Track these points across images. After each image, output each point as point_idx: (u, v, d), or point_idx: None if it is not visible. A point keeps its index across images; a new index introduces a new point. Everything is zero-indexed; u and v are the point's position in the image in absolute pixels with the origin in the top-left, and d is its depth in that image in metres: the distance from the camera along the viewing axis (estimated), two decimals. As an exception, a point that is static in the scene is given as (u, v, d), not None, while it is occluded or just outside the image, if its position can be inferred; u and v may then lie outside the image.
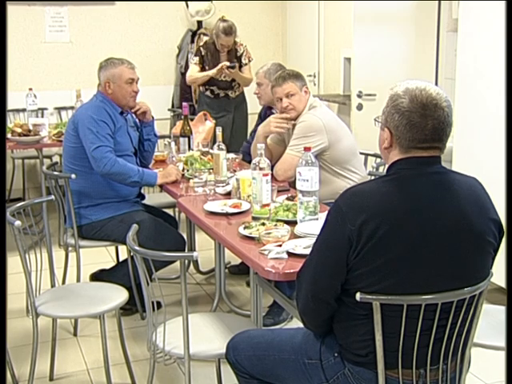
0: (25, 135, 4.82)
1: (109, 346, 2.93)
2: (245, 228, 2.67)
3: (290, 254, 2.39)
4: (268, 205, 2.88)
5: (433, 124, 1.81)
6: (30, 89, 5.47)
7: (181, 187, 3.57)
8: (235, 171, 3.64)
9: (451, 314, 1.83)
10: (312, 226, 2.59)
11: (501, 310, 2.58)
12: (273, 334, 2.22)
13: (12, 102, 5.79)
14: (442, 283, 1.80)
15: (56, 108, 6.28)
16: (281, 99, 3.56)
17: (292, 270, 2.26)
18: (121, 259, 4.02)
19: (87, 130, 3.50)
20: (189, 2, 6.50)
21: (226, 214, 2.97)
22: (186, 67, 6.29)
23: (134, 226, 2.54)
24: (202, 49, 5.32)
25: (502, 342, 2.28)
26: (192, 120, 4.60)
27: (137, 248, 2.33)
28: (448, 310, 1.82)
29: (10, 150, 5.70)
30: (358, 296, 1.78)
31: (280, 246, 2.46)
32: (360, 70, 5.15)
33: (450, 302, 1.80)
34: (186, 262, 3.13)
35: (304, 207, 2.71)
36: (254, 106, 5.04)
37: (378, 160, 3.85)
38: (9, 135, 4.76)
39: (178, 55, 6.57)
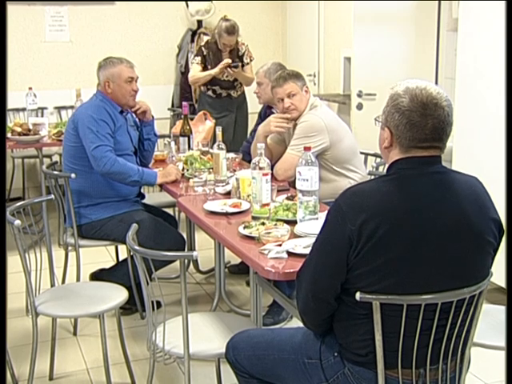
0: (25, 134, 4.82)
1: (108, 345, 2.93)
2: (245, 227, 2.67)
3: (289, 254, 2.39)
4: (268, 204, 2.88)
5: (433, 123, 1.81)
6: (30, 88, 5.47)
7: (181, 187, 3.57)
8: (235, 171, 3.64)
9: (451, 314, 1.83)
10: (312, 226, 2.59)
11: (501, 310, 2.58)
12: (273, 334, 2.22)
13: (12, 102, 5.78)
14: (442, 283, 1.80)
15: (56, 107, 6.28)
16: (282, 100, 3.55)
17: (292, 270, 2.26)
18: (120, 259, 4.02)
19: (87, 129, 3.50)
20: (189, 2, 6.50)
21: (226, 214, 2.97)
22: (186, 67, 6.29)
23: (134, 226, 2.54)
24: (203, 48, 5.30)
25: (502, 342, 2.28)
26: (192, 119, 4.60)
27: (136, 247, 2.33)
28: (448, 309, 1.82)
29: (9, 150, 5.69)
30: (357, 295, 1.78)
31: (280, 245, 2.46)
32: (360, 69, 5.15)
33: (449, 301, 1.80)
34: (186, 261, 3.13)
35: (304, 207, 2.71)
36: (254, 106, 5.03)
37: (378, 160, 3.85)
38: (9, 134, 4.77)
39: (177, 55, 6.57)
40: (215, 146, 3.55)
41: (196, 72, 5.29)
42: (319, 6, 6.23)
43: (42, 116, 5.78)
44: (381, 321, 1.80)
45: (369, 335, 1.83)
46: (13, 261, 3.06)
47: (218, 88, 5.37)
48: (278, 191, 3.13)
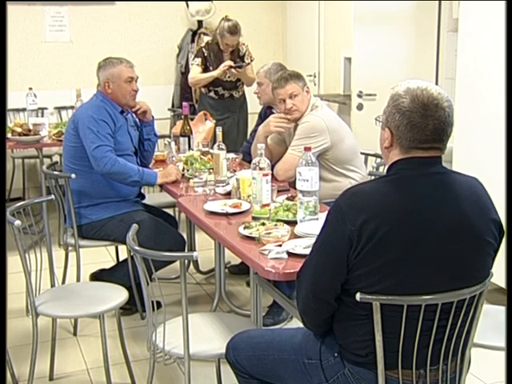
0: (25, 135, 4.82)
1: (109, 345, 2.93)
2: (245, 228, 2.67)
3: (290, 254, 2.39)
4: (268, 205, 2.88)
5: (434, 124, 1.81)
6: (30, 88, 5.47)
7: (181, 187, 3.57)
8: (235, 171, 3.64)
9: (451, 315, 1.83)
10: (312, 226, 2.59)
11: (501, 311, 2.58)
12: (273, 334, 2.21)
13: (12, 102, 5.78)
14: (442, 284, 1.80)
15: (56, 108, 6.28)
16: (284, 100, 3.55)
17: (292, 270, 2.26)
18: (121, 259, 4.02)
19: (87, 129, 3.50)
20: (189, 2, 6.50)
21: (226, 214, 2.97)
22: (187, 67, 6.28)
23: (134, 226, 2.54)
24: (204, 49, 5.24)
25: (502, 343, 2.28)
26: (192, 120, 4.59)
27: (137, 248, 2.33)
28: (448, 310, 1.81)
29: (10, 150, 5.69)
30: (358, 296, 1.78)
31: (280, 245, 2.46)
32: (360, 69, 5.15)
33: (450, 302, 1.80)
34: (186, 261, 3.13)
35: (304, 207, 2.71)
36: (254, 106, 5.03)
37: (379, 160, 3.85)
38: (9, 135, 4.76)
39: (178, 55, 6.57)
40: (215, 146, 3.55)
41: (196, 73, 5.23)
42: (319, 6, 6.23)
43: (42, 116, 5.78)
44: (381, 321, 1.80)
45: (369, 336, 1.83)
46: (13, 261, 3.06)
47: (221, 89, 5.33)
48: (279, 191, 3.13)
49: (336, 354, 1.95)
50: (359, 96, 5.18)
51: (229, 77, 5.24)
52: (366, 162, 3.95)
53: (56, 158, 5.64)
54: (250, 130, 5.33)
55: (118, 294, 2.92)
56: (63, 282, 3.82)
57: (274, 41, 6.99)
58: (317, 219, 2.69)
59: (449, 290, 1.80)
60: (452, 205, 1.83)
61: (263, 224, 2.68)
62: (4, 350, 2.29)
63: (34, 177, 6.43)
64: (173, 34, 6.59)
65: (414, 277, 1.79)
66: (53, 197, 3.17)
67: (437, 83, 4.87)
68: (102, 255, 4.49)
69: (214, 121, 4.69)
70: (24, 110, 5.81)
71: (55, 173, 3.67)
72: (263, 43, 6.83)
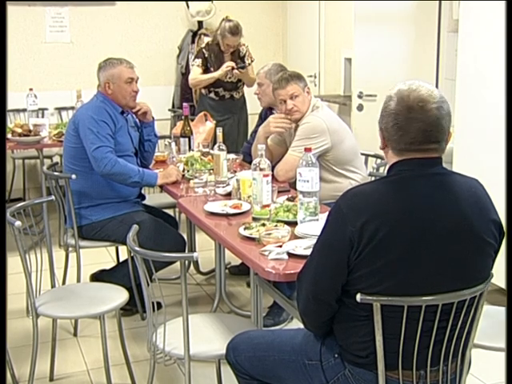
0: (25, 135, 4.82)
1: (109, 346, 2.93)
2: (245, 229, 2.67)
3: (290, 255, 2.39)
4: (268, 205, 2.88)
5: (419, 127, 1.79)
6: (31, 89, 5.47)
7: (181, 188, 3.57)
8: (235, 172, 3.64)
9: (452, 316, 1.83)
10: (312, 227, 2.59)
11: (501, 311, 2.58)
12: (273, 335, 2.22)
13: (12, 103, 5.79)
14: (443, 284, 1.80)
15: (56, 108, 6.28)
16: (284, 101, 3.54)
17: (292, 271, 2.26)
18: (121, 260, 4.02)
19: (88, 130, 3.50)
20: (189, 3, 6.50)
21: (227, 215, 2.97)
22: (187, 68, 6.28)
23: (135, 227, 2.54)
24: (204, 50, 5.22)
25: (502, 344, 2.28)
26: (192, 120, 4.59)
27: (137, 248, 2.33)
28: (448, 311, 1.81)
29: (10, 151, 5.69)
30: (358, 297, 1.78)
31: (280, 246, 2.46)
32: (360, 70, 5.15)
33: (450, 303, 1.80)
34: (186, 262, 3.13)
35: (304, 208, 2.71)
36: (254, 107, 5.03)
37: (379, 161, 3.85)
38: (9, 135, 4.76)
39: (178, 56, 6.57)
40: (216, 147, 3.55)
41: (197, 74, 5.20)
42: (319, 7, 6.23)
43: (43, 117, 5.78)
44: (381, 322, 1.80)
45: (369, 337, 1.83)
46: (13, 262, 3.05)
47: (222, 90, 5.31)
48: (279, 192, 3.13)
49: (336, 355, 1.95)
50: (359, 97, 5.18)
51: (230, 78, 5.24)
52: (366, 162, 3.95)
53: (56, 159, 5.63)
54: (250, 130, 5.33)
55: (118, 295, 2.92)
56: (63, 282, 3.82)
57: (274, 41, 6.99)
58: (317, 220, 2.69)
59: (449, 291, 1.80)
60: (452, 205, 1.82)
61: (263, 225, 2.68)
62: (4, 351, 2.30)
63: (34, 177, 6.43)
64: (173, 35, 6.60)
65: (414, 277, 1.79)
66: (53, 197, 3.17)
67: (437, 84, 4.88)
68: (102, 256, 4.49)
69: (215, 121, 4.68)
70: (24, 110, 5.81)
71: (55, 173, 3.67)
72: (263, 43, 6.83)
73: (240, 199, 3.16)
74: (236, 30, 5.09)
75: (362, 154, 3.83)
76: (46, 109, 6.10)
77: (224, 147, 3.51)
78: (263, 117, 4.16)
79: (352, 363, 1.91)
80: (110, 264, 4.14)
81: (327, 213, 1.91)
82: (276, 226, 2.67)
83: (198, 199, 3.29)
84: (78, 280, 3.66)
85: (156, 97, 6.15)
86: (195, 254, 2.28)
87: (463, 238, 1.82)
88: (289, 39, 6.92)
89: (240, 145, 4.94)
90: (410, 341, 1.82)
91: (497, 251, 1.91)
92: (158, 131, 4.07)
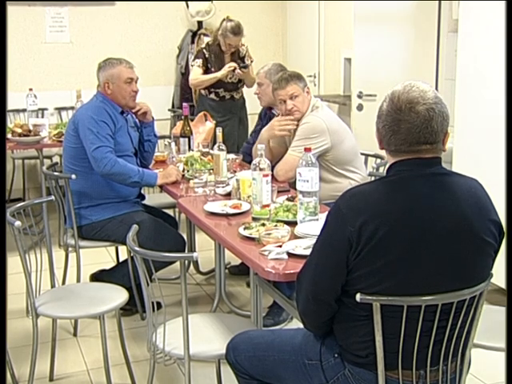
0: (25, 135, 4.82)
1: (109, 346, 2.93)
2: (245, 229, 2.67)
3: (290, 255, 2.39)
4: (268, 205, 2.88)
5: (407, 128, 1.79)
6: (31, 89, 5.47)
7: (181, 188, 3.57)
8: (235, 172, 3.64)
9: (451, 315, 1.83)
10: (312, 227, 2.59)
11: (501, 311, 2.58)
12: (273, 335, 2.22)
13: (12, 103, 5.79)
14: (442, 284, 1.80)
15: (56, 108, 6.28)
16: (284, 101, 3.55)
17: (292, 271, 2.26)
18: (121, 259, 4.02)
19: (87, 130, 3.50)
20: (189, 3, 6.50)
21: (226, 215, 2.97)
22: (187, 68, 6.28)
23: (134, 227, 2.55)
24: (204, 51, 5.19)
25: (502, 343, 2.28)
26: (192, 120, 4.58)
27: (137, 248, 2.33)
28: (448, 311, 1.81)
29: (10, 151, 5.69)
30: (358, 297, 1.78)
31: (280, 246, 2.46)
32: (360, 70, 5.15)
33: (450, 302, 1.80)
34: (186, 262, 3.13)
35: (304, 208, 2.71)
36: (253, 107, 5.03)
37: (379, 161, 3.85)
38: (9, 135, 4.76)
39: (178, 56, 6.57)
40: (215, 146, 3.55)
41: (197, 75, 5.16)
42: (319, 7, 6.23)
43: (43, 117, 5.78)
44: (381, 322, 1.80)
45: (369, 336, 1.83)
46: (13, 262, 3.06)
47: (222, 90, 5.29)
48: (279, 192, 3.13)
49: (336, 355, 1.95)
50: (359, 97, 5.18)
51: (230, 78, 5.23)
52: (366, 162, 3.95)
53: (56, 159, 5.63)
54: (250, 130, 5.32)
55: (118, 295, 2.92)
56: (63, 282, 3.82)
57: (274, 41, 6.99)
58: (317, 220, 2.69)
59: (449, 291, 1.80)
60: (451, 205, 1.82)
61: (263, 225, 2.68)
62: (4, 351, 2.30)
63: (34, 177, 6.43)
64: (173, 35, 6.59)
65: (413, 277, 1.79)
66: (53, 197, 3.17)
67: (437, 84, 4.88)
68: (102, 256, 4.49)
69: (215, 122, 4.68)
70: (24, 110, 5.81)
71: (55, 173, 3.67)
72: (263, 44, 6.83)
73: (240, 199, 3.16)
74: (238, 30, 5.07)
75: (362, 154, 3.83)
76: (46, 109, 6.10)
77: (224, 147, 3.51)
78: (263, 117, 4.16)
79: (352, 363, 1.91)
80: (109, 264, 4.14)
81: (327, 213, 1.91)
82: (276, 225, 2.67)
83: (198, 199, 3.29)
84: (78, 280, 3.66)
85: (156, 97, 6.15)
86: (195, 254, 2.28)
87: (463, 238, 1.82)
88: (289, 39, 6.92)
89: (240, 145, 4.93)
90: (410, 340, 1.82)
91: (497, 251, 1.91)
92: (157, 131, 4.07)
